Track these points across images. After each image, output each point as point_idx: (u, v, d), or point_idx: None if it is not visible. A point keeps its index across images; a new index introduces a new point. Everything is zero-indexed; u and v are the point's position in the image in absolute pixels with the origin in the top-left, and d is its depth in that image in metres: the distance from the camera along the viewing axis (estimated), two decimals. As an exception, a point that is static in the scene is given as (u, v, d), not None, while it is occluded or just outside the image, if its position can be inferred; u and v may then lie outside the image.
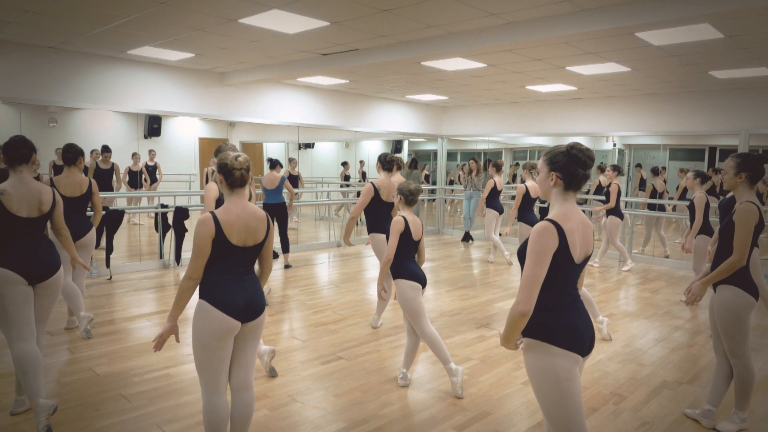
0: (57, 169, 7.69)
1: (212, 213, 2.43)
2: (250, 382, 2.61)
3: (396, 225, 3.57)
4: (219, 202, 3.89)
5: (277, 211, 7.32)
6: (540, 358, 2.05)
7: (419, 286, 3.61)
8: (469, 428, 3.19)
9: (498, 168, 8.47)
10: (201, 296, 2.46)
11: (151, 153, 9.62)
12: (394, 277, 3.64)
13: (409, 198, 3.63)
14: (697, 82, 7.81)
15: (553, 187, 2.11)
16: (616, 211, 7.72)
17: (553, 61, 6.65)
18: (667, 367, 4.24)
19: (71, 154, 4.44)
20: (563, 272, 2.04)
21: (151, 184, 9.54)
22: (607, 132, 9.84)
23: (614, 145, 12.78)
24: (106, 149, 7.88)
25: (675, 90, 8.54)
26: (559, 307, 2.07)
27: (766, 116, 7.87)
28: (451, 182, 13.70)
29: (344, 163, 12.67)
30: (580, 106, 9.85)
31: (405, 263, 3.63)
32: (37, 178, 5.70)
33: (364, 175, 12.94)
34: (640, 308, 5.97)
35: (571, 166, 2.07)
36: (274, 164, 7.38)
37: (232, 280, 2.47)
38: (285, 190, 7.41)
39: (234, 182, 2.48)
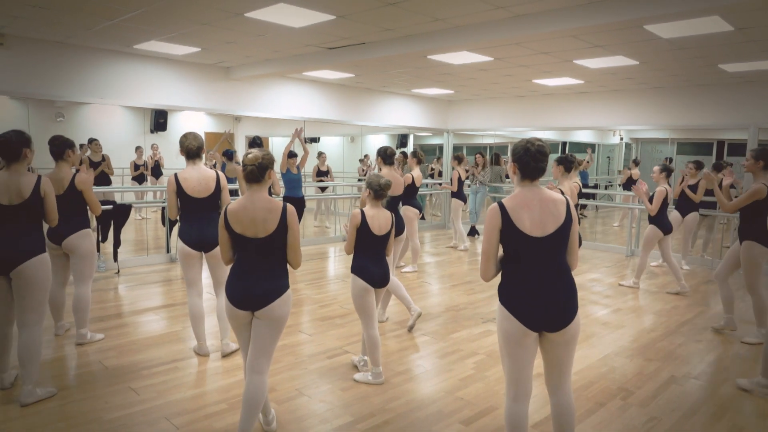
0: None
1: (227, 205, 2.74)
2: (258, 367, 2.74)
3: (353, 219, 3.52)
4: (184, 201, 3.84)
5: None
6: (497, 316, 2.46)
7: (368, 286, 3.54)
8: (475, 423, 3.19)
9: (460, 161, 8.77)
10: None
11: (154, 147, 9.63)
12: (351, 271, 3.58)
13: (378, 192, 3.54)
14: (706, 76, 7.73)
15: (513, 174, 2.46)
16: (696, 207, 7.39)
17: (561, 55, 6.60)
18: (674, 363, 4.22)
19: (55, 146, 4.04)
20: (519, 245, 2.36)
21: (157, 179, 9.56)
22: (614, 126, 9.77)
23: (621, 139, 12.72)
24: (92, 139, 7.80)
25: (683, 83, 8.46)
26: (518, 281, 2.39)
27: (776, 110, 7.80)
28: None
29: (320, 154, 11.97)
30: (587, 100, 9.78)
31: (361, 259, 3.55)
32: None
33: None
34: (648, 303, 5.95)
35: (525, 158, 2.38)
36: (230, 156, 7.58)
37: (239, 270, 2.73)
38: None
39: (246, 177, 2.69)
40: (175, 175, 3.84)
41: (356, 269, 3.56)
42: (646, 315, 5.49)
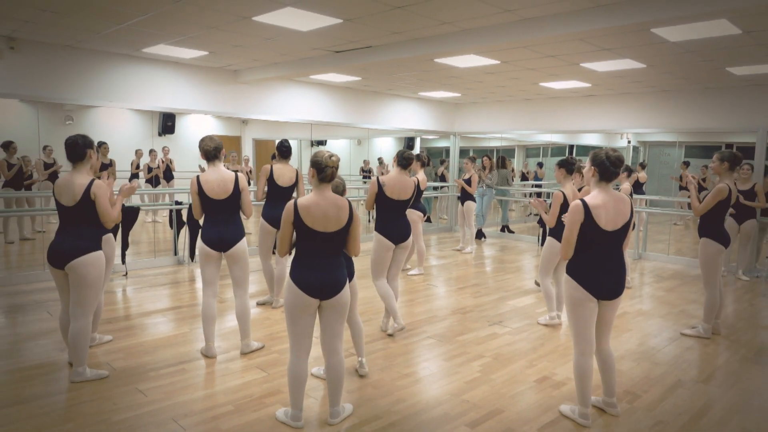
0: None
1: (295, 200, 2.90)
2: (336, 348, 3.08)
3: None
4: (204, 203, 3.94)
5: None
6: (566, 287, 3.13)
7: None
8: (481, 425, 3.19)
9: (474, 161, 8.84)
10: (289, 274, 2.94)
11: (165, 150, 9.70)
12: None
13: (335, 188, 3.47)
14: (713, 79, 7.70)
15: (592, 177, 3.07)
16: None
17: (568, 58, 6.59)
18: (681, 366, 4.20)
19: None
20: (594, 237, 2.99)
21: (168, 182, 9.63)
22: (621, 129, 9.74)
23: (629, 142, 12.66)
24: (102, 142, 7.88)
25: (691, 86, 8.43)
26: (589, 262, 3.05)
27: (785, 113, 7.74)
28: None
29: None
30: (594, 103, 9.76)
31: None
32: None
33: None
34: (654, 307, 5.93)
35: (605, 164, 2.99)
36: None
37: (309, 262, 2.92)
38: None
39: (324, 177, 2.93)
40: (197, 176, 3.96)
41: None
42: (653, 318, 5.46)
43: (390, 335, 4.70)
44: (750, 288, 6.94)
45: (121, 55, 7.16)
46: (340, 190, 3.44)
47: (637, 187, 10.70)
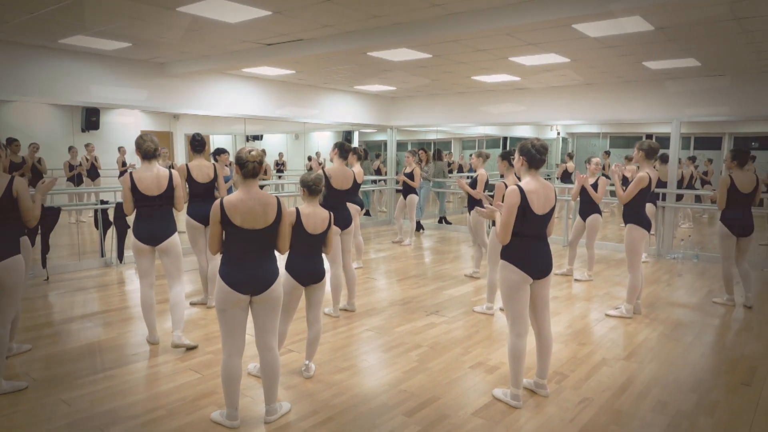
0: None
1: (221, 199, 2.87)
2: (269, 345, 3.05)
3: (288, 216, 3.24)
4: (137, 199, 4.00)
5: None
6: (502, 271, 3.30)
7: (295, 283, 3.55)
8: (418, 414, 3.25)
9: (414, 154, 8.93)
10: (218, 271, 2.92)
11: (90, 147, 9.20)
12: (284, 268, 3.49)
13: (312, 188, 3.54)
14: (632, 73, 8.13)
15: (521, 166, 3.29)
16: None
17: (497, 52, 6.77)
18: (606, 345, 4.45)
19: None
20: (528, 220, 3.18)
21: (93, 180, 9.15)
22: (550, 121, 10.12)
23: (558, 133, 13.19)
24: (12, 139, 7.38)
25: (612, 80, 8.87)
26: (522, 245, 3.23)
27: (696, 105, 8.29)
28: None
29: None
30: (525, 96, 10.08)
31: (294, 258, 3.54)
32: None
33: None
34: (582, 290, 6.22)
35: (531, 152, 3.22)
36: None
37: (238, 259, 2.89)
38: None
39: (247, 173, 2.89)
40: (130, 173, 4.00)
41: (288, 267, 3.56)
42: (581, 302, 5.74)
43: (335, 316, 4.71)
44: (667, 269, 7.42)
45: (36, 46, 6.71)
46: (320, 189, 3.57)
47: (566, 177, 11.16)
